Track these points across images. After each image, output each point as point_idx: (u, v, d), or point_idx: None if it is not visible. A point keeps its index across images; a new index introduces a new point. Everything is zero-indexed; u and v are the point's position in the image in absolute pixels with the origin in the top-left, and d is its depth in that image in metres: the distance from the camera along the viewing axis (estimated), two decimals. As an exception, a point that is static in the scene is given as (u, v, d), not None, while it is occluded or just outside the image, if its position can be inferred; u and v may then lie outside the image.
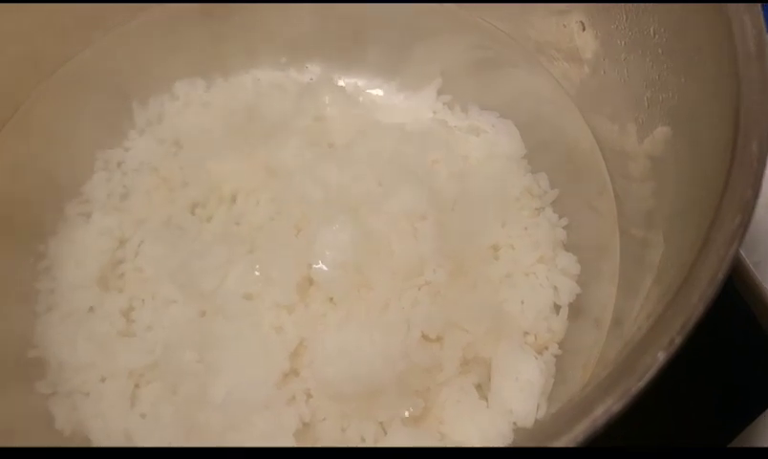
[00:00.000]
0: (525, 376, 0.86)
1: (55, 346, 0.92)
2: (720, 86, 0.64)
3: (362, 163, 0.97)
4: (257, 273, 0.90)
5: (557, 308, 0.92)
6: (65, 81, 1.01)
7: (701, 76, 0.69)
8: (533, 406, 0.85)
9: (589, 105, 0.93)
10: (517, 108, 1.06)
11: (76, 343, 0.91)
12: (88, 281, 0.96)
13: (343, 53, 1.12)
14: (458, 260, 0.91)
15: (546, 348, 0.90)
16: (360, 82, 1.12)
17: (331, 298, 0.88)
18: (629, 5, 0.79)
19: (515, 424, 0.85)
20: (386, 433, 0.84)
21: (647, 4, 0.75)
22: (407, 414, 0.84)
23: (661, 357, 0.48)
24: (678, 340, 0.48)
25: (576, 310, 0.91)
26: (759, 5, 0.63)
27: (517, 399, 0.85)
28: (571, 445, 0.46)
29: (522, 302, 0.91)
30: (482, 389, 0.88)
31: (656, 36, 0.75)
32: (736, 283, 0.90)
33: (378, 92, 1.12)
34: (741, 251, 0.88)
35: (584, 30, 0.88)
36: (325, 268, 0.87)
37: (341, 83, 1.11)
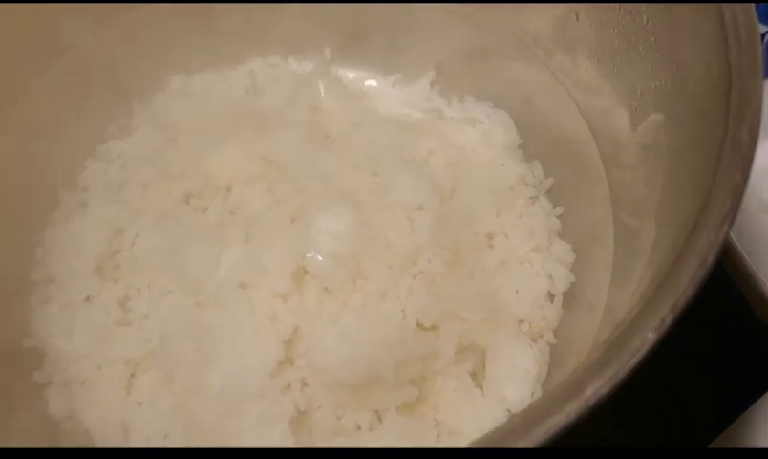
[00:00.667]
0: (520, 364, 0.86)
1: (52, 336, 0.92)
2: (712, 73, 0.64)
3: (358, 154, 0.98)
4: (252, 263, 0.90)
5: (551, 296, 0.93)
6: (61, 74, 1.02)
7: (693, 63, 0.69)
8: (528, 394, 0.85)
9: (584, 95, 0.94)
10: (511, 98, 1.07)
11: (73, 333, 0.91)
12: (84, 271, 0.96)
13: (337, 44, 1.12)
14: (453, 249, 0.91)
15: (541, 336, 0.91)
16: (355, 74, 1.13)
17: (327, 288, 0.87)
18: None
19: (509, 411, 0.85)
20: (381, 421, 0.85)
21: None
22: (402, 402, 0.84)
23: (651, 337, 0.48)
24: (669, 321, 0.49)
25: (570, 298, 0.92)
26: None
27: (512, 387, 0.86)
28: (562, 425, 0.47)
29: (517, 291, 0.91)
30: (477, 377, 0.89)
31: (649, 24, 0.76)
32: (730, 272, 0.90)
33: (373, 83, 1.12)
34: (736, 241, 0.89)
35: (578, 19, 0.88)
36: (320, 257, 0.87)
37: (336, 75, 1.10)
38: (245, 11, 1.09)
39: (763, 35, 0.91)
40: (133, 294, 0.95)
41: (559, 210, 0.98)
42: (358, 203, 0.93)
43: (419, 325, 0.86)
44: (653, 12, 0.75)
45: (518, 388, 0.86)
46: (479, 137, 1.04)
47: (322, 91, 1.06)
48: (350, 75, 1.13)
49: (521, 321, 0.91)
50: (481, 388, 0.88)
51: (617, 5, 0.81)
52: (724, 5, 0.64)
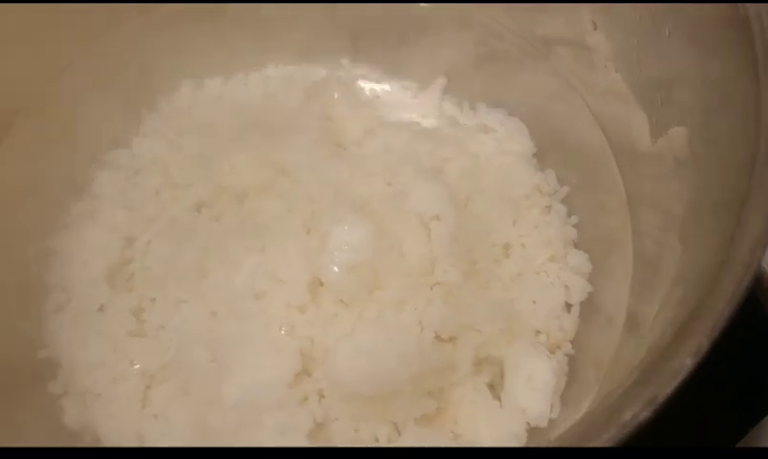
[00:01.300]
0: (539, 375, 0.86)
1: (66, 346, 0.91)
2: (739, 87, 0.64)
3: (372, 162, 0.97)
4: (267, 273, 0.89)
5: (568, 307, 0.92)
6: (73, 80, 1.01)
7: (719, 76, 0.69)
8: (546, 406, 0.85)
9: (600, 103, 0.93)
10: (524, 106, 1.07)
11: (88, 343, 0.91)
12: (96, 280, 0.96)
13: (349, 51, 1.12)
14: (469, 259, 0.91)
15: (559, 347, 0.90)
16: (367, 81, 1.12)
17: (343, 299, 0.87)
18: (644, 4, 0.78)
19: (528, 424, 0.85)
20: (400, 434, 0.84)
21: (662, 4, 0.74)
22: (420, 415, 0.84)
23: (689, 362, 0.48)
24: (705, 346, 0.48)
25: (587, 308, 0.91)
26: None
27: (530, 399, 0.85)
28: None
29: (534, 301, 0.91)
30: (495, 389, 0.88)
31: (671, 37, 0.75)
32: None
33: (386, 89, 1.12)
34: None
35: (595, 29, 0.88)
36: (336, 269, 0.87)
37: (348, 82, 1.09)
38: (257, 17, 1.08)
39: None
40: (146, 304, 0.94)
41: (574, 219, 0.97)
42: (372, 212, 0.92)
43: (437, 337, 0.85)
44: (676, 25, 0.74)
45: (537, 401, 0.85)
46: (493, 145, 1.04)
47: (334, 98, 1.06)
48: (361, 81, 1.12)
49: (538, 332, 0.91)
50: (499, 400, 0.87)
51: (638, 16, 0.80)
52: (752, 17, 0.63)
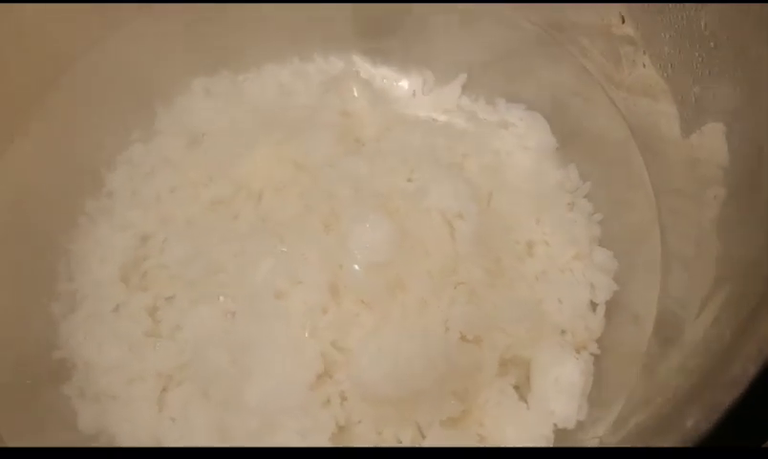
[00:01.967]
0: (566, 376, 0.84)
1: (81, 347, 0.90)
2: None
3: (391, 158, 0.95)
4: (286, 273, 0.87)
5: (593, 305, 0.91)
6: (85, 76, 0.99)
7: (761, 71, 0.67)
8: (574, 408, 0.84)
9: (626, 98, 0.91)
10: (544, 100, 1.05)
11: (103, 344, 0.89)
12: (111, 279, 0.94)
13: (366, 46, 1.10)
14: (493, 258, 0.89)
15: (584, 347, 0.89)
16: (385, 76, 1.10)
17: (365, 300, 0.85)
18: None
19: (556, 425, 0.83)
20: (424, 436, 0.83)
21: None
22: (446, 417, 0.82)
23: (751, 369, 0.46)
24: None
25: (613, 307, 0.90)
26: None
27: (558, 400, 0.84)
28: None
29: (560, 300, 0.89)
30: (521, 390, 0.87)
31: (707, 30, 0.73)
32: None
33: (404, 85, 1.10)
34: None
35: (623, 22, 0.86)
36: (357, 268, 0.85)
37: (365, 77, 1.07)
38: (270, 13, 1.06)
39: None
40: (162, 303, 0.93)
41: (599, 216, 0.95)
42: (393, 209, 0.90)
43: (462, 337, 0.83)
44: (714, 17, 0.73)
45: (564, 402, 0.84)
46: (513, 140, 1.02)
47: (352, 94, 1.03)
48: (378, 76, 1.10)
49: (563, 331, 0.89)
50: (526, 402, 0.85)
51: (669, 8, 0.78)
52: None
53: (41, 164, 0.96)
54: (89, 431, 0.86)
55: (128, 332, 0.90)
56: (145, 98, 1.05)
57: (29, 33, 0.92)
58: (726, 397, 0.45)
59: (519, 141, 1.02)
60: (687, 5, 0.75)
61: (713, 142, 0.74)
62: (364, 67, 1.09)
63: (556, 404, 0.84)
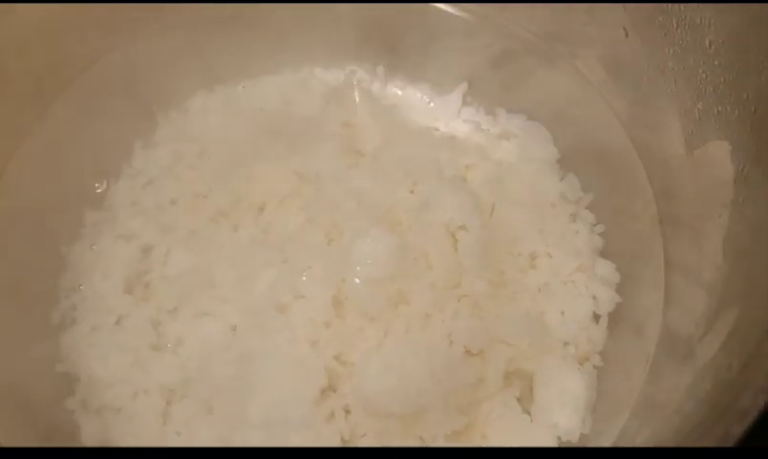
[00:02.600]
0: (570, 389, 0.85)
1: (84, 360, 0.89)
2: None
3: (394, 170, 0.95)
4: (289, 286, 0.87)
5: (596, 318, 0.91)
6: (88, 87, 0.99)
7: (765, 90, 0.67)
8: (578, 420, 0.84)
9: (629, 111, 0.92)
10: (546, 111, 1.05)
11: (107, 357, 0.89)
12: (113, 291, 0.94)
13: (367, 57, 1.09)
14: (496, 270, 0.89)
15: (587, 359, 0.89)
16: (386, 87, 1.10)
17: (368, 313, 0.85)
18: (681, 13, 0.76)
19: (559, 438, 0.84)
20: (428, 449, 0.83)
21: (702, 13, 0.72)
22: (450, 430, 0.82)
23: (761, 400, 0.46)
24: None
25: (616, 319, 0.90)
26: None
27: (561, 412, 0.84)
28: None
29: (563, 313, 0.90)
30: (524, 403, 0.87)
31: (712, 48, 0.73)
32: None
33: (405, 95, 1.10)
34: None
35: (627, 36, 0.86)
36: (360, 283, 0.85)
37: (366, 87, 1.07)
38: (271, 22, 1.06)
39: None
40: (164, 316, 0.92)
41: (601, 228, 0.95)
42: (396, 222, 0.90)
43: (467, 351, 0.83)
44: (719, 35, 0.73)
45: (568, 415, 0.84)
46: (515, 151, 1.02)
47: (353, 105, 1.03)
48: (379, 87, 1.09)
49: (566, 344, 0.89)
50: (529, 414, 0.86)
51: (674, 24, 0.78)
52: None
53: (43, 176, 0.96)
54: (93, 445, 0.86)
55: (131, 345, 0.89)
56: (147, 109, 1.04)
57: (32, 45, 0.92)
58: (737, 429, 0.45)
59: (520, 151, 1.02)
60: (692, 23, 0.75)
61: (717, 158, 0.74)
62: (365, 78, 1.08)
63: (559, 416, 0.84)
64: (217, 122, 1.04)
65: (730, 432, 0.45)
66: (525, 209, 0.95)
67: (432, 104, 1.09)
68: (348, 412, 0.84)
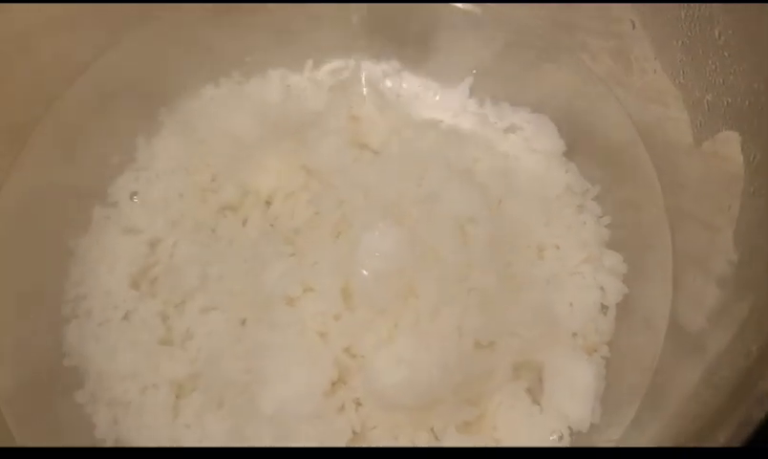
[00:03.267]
0: (579, 380, 0.85)
1: (93, 355, 0.90)
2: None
3: (401, 163, 0.95)
4: (298, 279, 0.87)
5: (604, 309, 0.91)
6: (93, 83, 1.00)
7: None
8: (588, 410, 0.84)
9: (635, 102, 0.92)
10: (551, 103, 1.05)
11: (115, 352, 0.89)
12: (120, 285, 0.94)
13: (373, 50, 1.09)
14: (505, 262, 0.89)
15: (595, 350, 0.89)
16: (392, 79, 1.10)
17: (377, 306, 0.85)
18: (690, 4, 0.76)
19: (570, 428, 0.84)
20: (439, 441, 0.83)
21: (712, 5, 0.73)
22: (460, 421, 0.83)
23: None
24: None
25: (624, 310, 0.90)
26: None
27: (571, 403, 0.85)
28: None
29: (571, 304, 0.90)
30: (533, 393, 0.87)
31: (722, 38, 0.74)
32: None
33: (411, 88, 1.10)
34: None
35: (634, 28, 0.86)
36: (370, 275, 0.85)
37: (372, 81, 1.07)
38: (276, 16, 1.06)
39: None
40: (172, 311, 0.92)
41: (608, 219, 0.96)
42: (403, 214, 0.90)
43: (477, 344, 0.84)
44: (728, 26, 0.73)
45: (578, 405, 0.85)
46: (521, 143, 1.02)
47: (358, 98, 1.03)
48: (384, 80, 1.09)
49: (574, 334, 0.90)
50: (539, 405, 0.86)
51: (682, 15, 0.78)
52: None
53: (48, 172, 0.96)
54: (106, 439, 0.86)
55: (139, 339, 0.90)
56: (153, 104, 1.04)
57: (36, 43, 0.92)
58: (758, 413, 0.46)
59: (527, 144, 1.02)
60: (701, 14, 0.75)
61: (727, 150, 0.75)
62: (372, 71, 1.08)
63: (569, 406, 0.84)
64: (222, 116, 1.04)
65: (752, 416, 0.46)
66: (532, 202, 0.96)
67: (438, 97, 1.09)
68: (359, 405, 0.84)
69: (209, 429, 0.85)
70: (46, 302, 0.93)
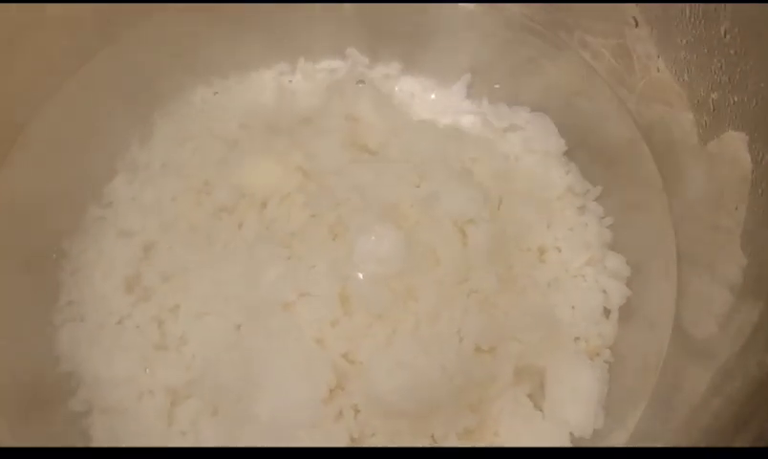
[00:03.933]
0: (582, 385, 0.84)
1: (87, 361, 0.88)
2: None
3: (399, 164, 0.94)
4: (294, 283, 0.85)
5: (607, 312, 0.90)
6: (85, 82, 0.98)
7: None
8: (590, 416, 0.83)
9: (638, 101, 0.90)
10: (551, 102, 1.03)
11: (111, 357, 0.87)
12: (114, 290, 0.92)
13: (368, 49, 1.08)
14: (505, 265, 0.88)
15: (598, 354, 0.88)
16: (389, 79, 1.08)
17: (375, 310, 0.83)
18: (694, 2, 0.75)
19: (572, 434, 0.82)
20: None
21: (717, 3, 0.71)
22: (461, 428, 0.81)
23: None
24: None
25: (626, 313, 0.89)
26: None
27: (573, 408, 0.83)
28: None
29: (573, 307, 0.88)
30: (535, 398, 0.86)
31: (728, 36, 0.72)
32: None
33: (408, 87, 1.08)
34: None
35: (636, 26, 0.84)
36: (367, 278, 0.83)
37: (369, 81, 1.06)
38: (272, 16, 1.04)
39: None
40: (166, 315, 0.90)
41: (609, 220, 0.94)
42: (402, 216, 0.88)
43: (477, 348, 0.82)
44: (735, 24, 0.71)
45: (580, 410, 0.83)
46: (521, 144, 1.01)
47: (355, 98, 1.02)
48: (381, 80, 1.08)
49: (576, 338, 0.88)
50: (541, 410, 0.84)
51: (687, 13, 0.77)
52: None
53: (41, 174, 0.95)
54: (102, 445, 0.84)
55: (134, 344, 0.88)
56: (146, 105, 1.03)
57: (29, 43, 0.91)
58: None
59: (526, 144, 1.00)
60: (706, 12, 0.73)
61: (733, 150, 0.73)
62: (368, 70, 1.06)
63: (571, 412, 0.83)
64: (216, 118, 1.03)
65: (766, 430, 0.44)
66: (533, 203, 0.94)
67: (435, 96, 1.07)
68: (357, 411, 0.82)
69: (204, 437, 0.83)
70: (40, 305, 0.91)
